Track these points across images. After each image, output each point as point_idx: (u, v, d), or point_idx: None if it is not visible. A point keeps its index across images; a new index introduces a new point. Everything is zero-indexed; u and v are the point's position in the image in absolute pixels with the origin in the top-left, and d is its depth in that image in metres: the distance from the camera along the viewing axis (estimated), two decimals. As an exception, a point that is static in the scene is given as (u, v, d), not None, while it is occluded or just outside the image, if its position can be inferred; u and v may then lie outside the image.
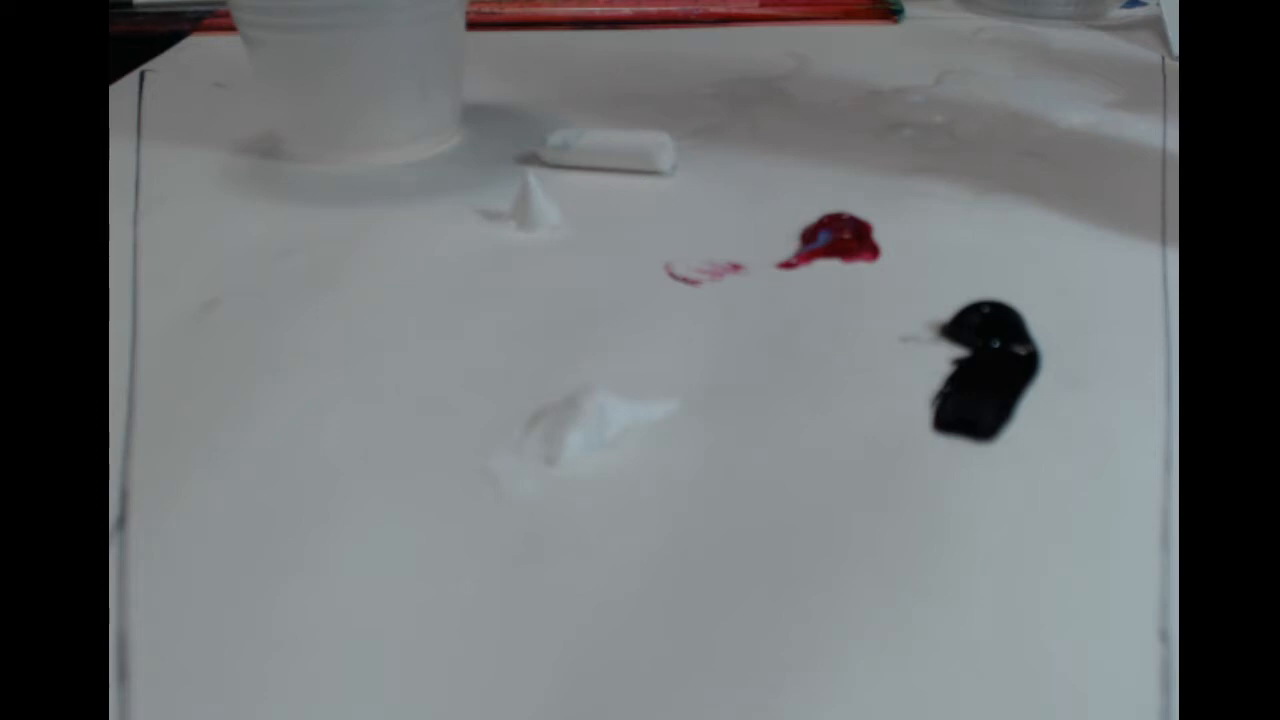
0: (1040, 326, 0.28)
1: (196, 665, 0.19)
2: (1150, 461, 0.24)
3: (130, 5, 0.64)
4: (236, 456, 0.24)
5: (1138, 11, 0.58)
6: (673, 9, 0.61)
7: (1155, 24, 0.55)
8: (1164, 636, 0.19)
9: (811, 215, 0.35)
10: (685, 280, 0.31)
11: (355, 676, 0.19)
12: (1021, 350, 0.27)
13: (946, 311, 0.29)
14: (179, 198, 0.38)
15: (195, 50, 0.55)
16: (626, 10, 0.61)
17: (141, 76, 0.50)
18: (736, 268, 0.32)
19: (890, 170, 0.39)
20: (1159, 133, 0.42)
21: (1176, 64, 0.50)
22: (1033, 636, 0.19)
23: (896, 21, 0.58)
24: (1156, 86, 0.47)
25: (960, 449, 0.24)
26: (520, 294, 0.31)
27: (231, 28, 0.40)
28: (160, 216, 0.36)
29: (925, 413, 0.25)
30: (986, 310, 0.29)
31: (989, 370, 0.27)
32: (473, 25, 0.44)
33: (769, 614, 0.20)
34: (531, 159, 0.40)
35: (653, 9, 0.61)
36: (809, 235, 0.34)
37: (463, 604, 0.20)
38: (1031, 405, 0.26)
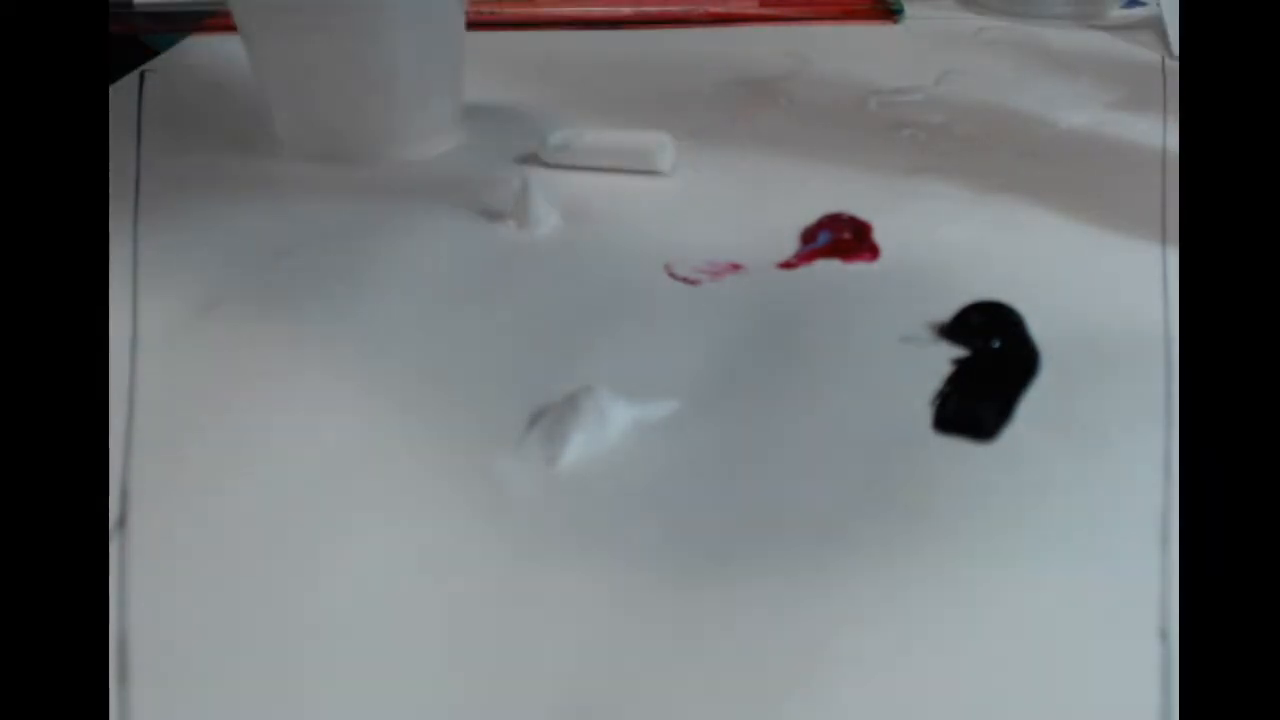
0: (1040, 326, 0.28)
1: (196, 665, 0.19)
2: (1150, 461, 0.24)
3: (130, 5, 0.64)
4: (237, 456, 0.24)
5: (1138, 11, 0.58)
6: (673, 9, 0.61)
7: (1155, 24, 0.55)
8: (1164, 636, 0.19)
9: (811, 215, 0.35)
10: (685, 280, 0.31)
11: (355, 676, 0.19)
12: (1021, 350, 0.27)
13: (946, 311, 0.29)
14: (179, 199, 0.38)
15: (195, 50, 0.55)
16: (626, 10, 0.61)
17: (141, 76, 0.50)
18: (736, 268, 0.32)
19: (890, 170, 0.39)
20: (1159, 133, 0.42)
21: (1176, 64, 0.50)
22: (1032, 636, 0.19)
23: (896, 21, 0.58)
24: (1156, 86, 0.47)
25: (960, 449, 0.24)
26: (520, 294, 0.31)
27: (231, 28, 0.40)
28: (160, 217, 0.36)
29: (925, 413, 0.25)
30: (987, 310, 0.29)
31: (989, 370, 0.27)
32: (473, 25, 0.44)
33: (769, 614, 0.20)
34: (531, 159, 0.40)
35: (653, 9, 0.61)
36: (809, 235, 0.34)
37: (463, 604, 0.20)
38: (1031, 405, 0.26)
